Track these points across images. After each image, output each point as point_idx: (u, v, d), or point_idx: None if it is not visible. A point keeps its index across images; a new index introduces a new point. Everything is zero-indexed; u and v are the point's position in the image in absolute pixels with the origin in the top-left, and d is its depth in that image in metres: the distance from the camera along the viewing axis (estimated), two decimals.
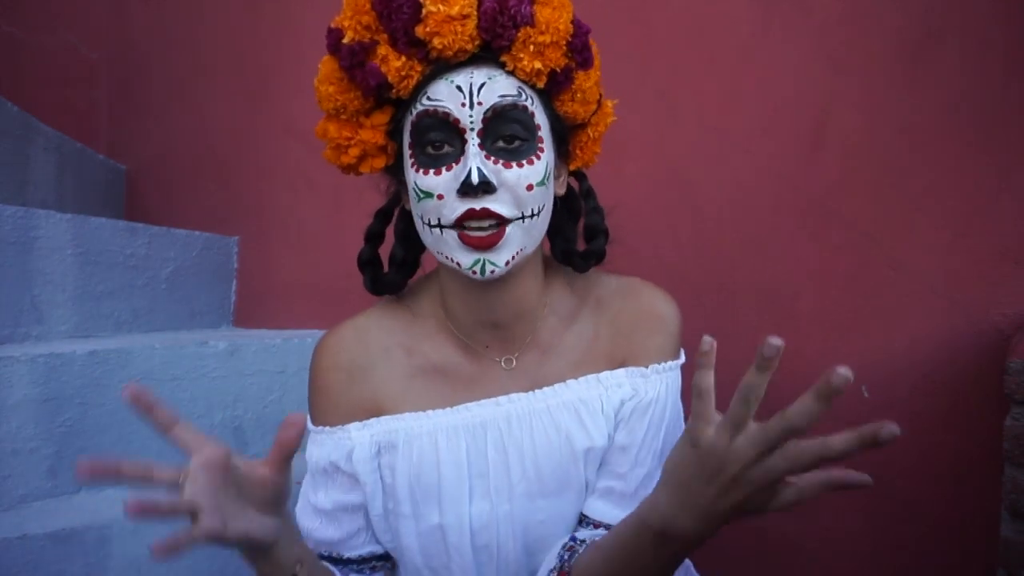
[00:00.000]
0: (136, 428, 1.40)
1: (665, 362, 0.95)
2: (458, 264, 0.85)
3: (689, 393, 1.03)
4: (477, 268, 0.84)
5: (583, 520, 0.93)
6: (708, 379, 0.73)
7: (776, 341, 0.65)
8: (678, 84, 1.51)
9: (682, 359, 0.99)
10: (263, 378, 1.61)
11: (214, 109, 2.07)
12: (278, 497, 0.77)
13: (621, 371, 0.94)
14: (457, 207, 0.82)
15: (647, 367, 0.94)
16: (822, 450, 0.64)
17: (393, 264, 0.98)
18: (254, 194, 2.00)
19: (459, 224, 0.83)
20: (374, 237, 0.98)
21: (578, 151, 0.95)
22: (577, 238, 0.98)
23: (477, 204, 0.82)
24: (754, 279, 1.43)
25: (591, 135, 0.94)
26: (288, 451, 0.75)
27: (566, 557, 0.87)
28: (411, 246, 0.98)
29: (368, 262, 0.97)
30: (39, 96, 2.24)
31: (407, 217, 0.96)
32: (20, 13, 2.34)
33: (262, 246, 1.98)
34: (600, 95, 0.94)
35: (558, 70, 0.86)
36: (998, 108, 1.27)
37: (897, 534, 1.34)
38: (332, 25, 0.86)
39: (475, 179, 0.80)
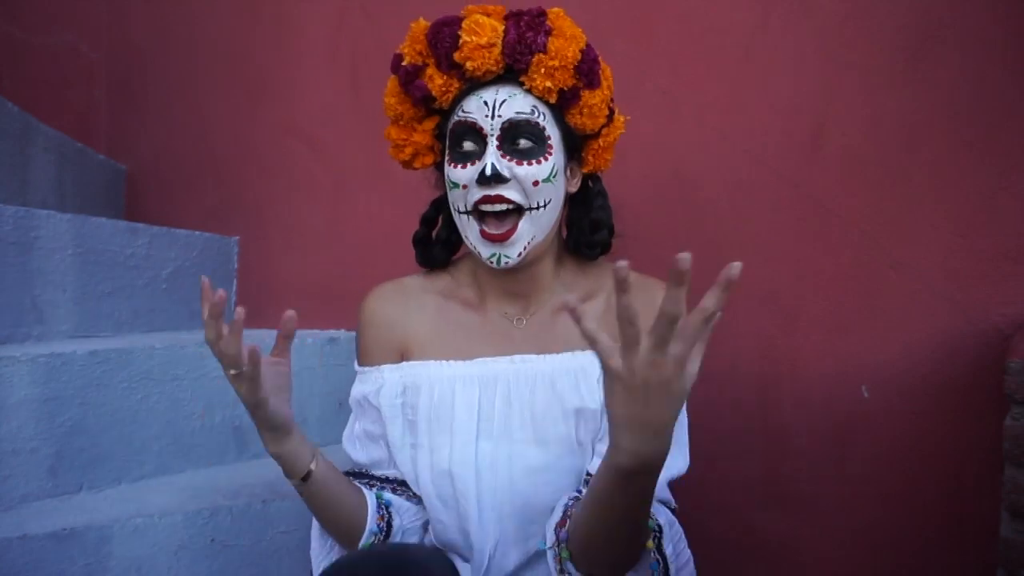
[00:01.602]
0: (136, 428, 1.40)
1: None
2: (479, 253, 1.05)
3: (697, 406, 1.03)
4: (494, 259, 1.05)
5: (588, 479, 1.03)
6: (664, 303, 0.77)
7: (686, 256, 0.75)
8: (678, 84, 1.51)
9: None
10: None
11: (214, 109, 2.07)
12: (288, 381, 1.01)
13: None
14: (475, 193, 1.03)
15: None
16: (701, 313, 0.74)
17: (438, 242, 1.17)
18: (254, 194, 2.00)
19: (476, 208, 1.03)
20: (428, 221, 1.18)
21: (590, 157, 1.11)
22: (589, 231, 1.14)
23: (492, 191, 1.02)
24: (754, 279, 1.43)
25: (602, 144, 1.11)
26: (288, 332, 1.01)
27: (569, 504, 0.99)
28: (455, 228, 1.13)
29: (421, 240, 1.18)
30: (39, 96, 2.24)
31: (446, 206, 1.14)
32: (20, 13, 2.34)
33: (262, 246, 1.98)
34: (612, 110, 1.10)
35: (566, 89, 1.04)
36: (998, 108, 1.27)
37: (897, 534, 1.34)
38: (397, 51, 1.08)
39: (488, 171, 1.01)
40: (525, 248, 1.04)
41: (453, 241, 1.17)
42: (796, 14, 1.41)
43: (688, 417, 1.08)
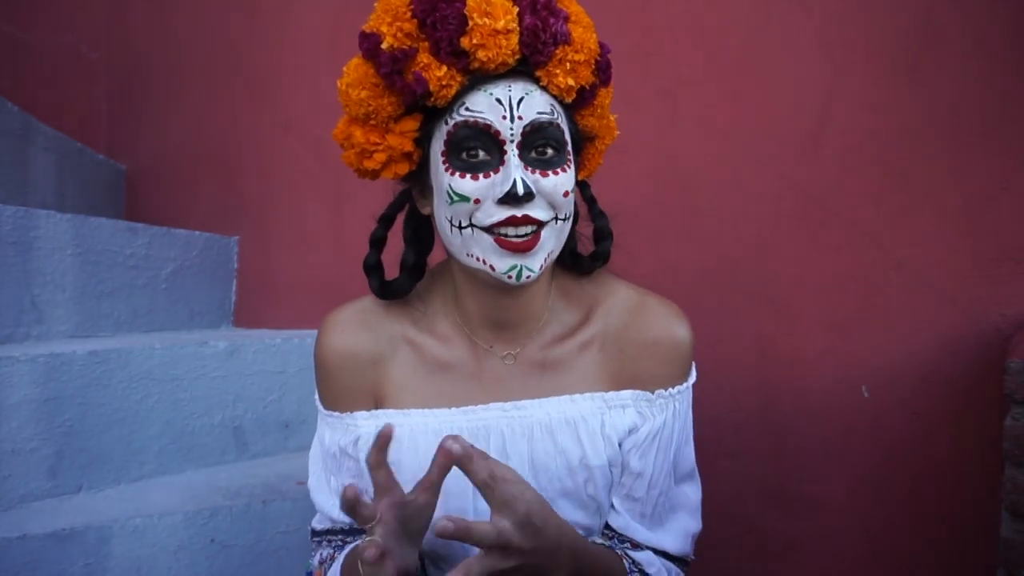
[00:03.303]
0: (136, 428, 1.40)
1: (673, 387, 0.96)
2: (491, 267, 0.86)
3: (697, 406, 1.03)
4: (513, 273, 0.86)
5: (608, 533, 0.97)
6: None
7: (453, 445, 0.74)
8: (679, 84, 1.51)
9: (692, 379, 0.99)
10: (263, 378, 1.61)
11: (214, 109, 2.07)
12: (428, 525, 0.82)
13: (627, 393, 0.95)
14: (495, 212, 0.85)
15: (653, 392, 0.95)
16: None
17: (404, 268, 0.98)
18: (254, 194, 2.00)
19: (493, 228, 0.85)
20: (379, 242, 1.00)
21: (586, 162, 0.98)
22: (593, 241, 1.01)
23: (519, 211, 0.84)
24: (754, 279, 1.43)
25: (599, 147, 0.98)
26: (445, 471, 0.78)
27: None
28: (421, 250, 0.99)
29: (375, 267, 0.99)
30: (39, 96, 2.24)
31: (415, 221, 0.99)
32: (20, 13, 2.35)
33: (262, 246, 1.98)
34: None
35: (586, 87, 0.89)
36: (998, 108, 1.27)
37: (897, 534, 1.34)
38: (366, 30, 0.86)
39: (520, 190, 0.83)
40: (545, 260, 0.88)
41: (420, 266, 0.99)
42: (796, 14, 1.41)
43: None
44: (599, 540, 0.96)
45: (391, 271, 1.00)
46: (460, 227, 0.87)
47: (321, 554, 0.99)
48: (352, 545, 0.93)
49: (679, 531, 0.99)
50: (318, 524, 1.02)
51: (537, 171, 0.85)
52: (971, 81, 1.28)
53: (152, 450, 1.43)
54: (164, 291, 1.77)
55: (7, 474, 1.23)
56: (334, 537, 1.00)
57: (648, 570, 0.95)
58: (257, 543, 1.34)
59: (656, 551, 0.97)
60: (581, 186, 1.01)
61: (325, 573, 0.96)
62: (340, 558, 0.93)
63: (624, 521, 0.96)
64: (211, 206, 2.05)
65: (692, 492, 1.01)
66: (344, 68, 0.90)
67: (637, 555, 0.96)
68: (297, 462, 1.60)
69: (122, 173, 2.21)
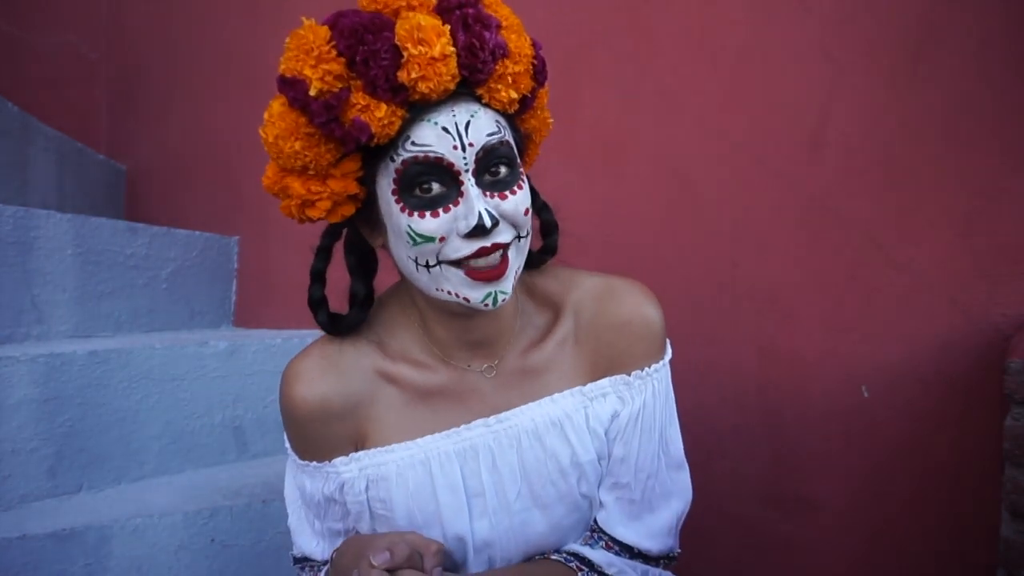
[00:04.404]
0: (136, 428, 1.40)
1: (650, 366, 0.95)
2: (465, 299, 0.84)
3: (682, 396, 1.03)
4: (489, 300, 0.84)
5: (594, 530, 0.97)
6: None
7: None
8: (678, 84, 1.51)
9: (668, 355, 0.99)
10: (263, 378, 1.61)
11: (214, 109, 2.07)
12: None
13: (605, 381, 0.94)
14: (462, 247, 0.82)
15: (630, 374, 0.94)
16: None
17: (355, 302, 0.94)
18: (254, 194, 1.99)
19: (463, 262, 0.82)
20: (321, 275, 0.95)
21: (527, 158, 0.96)
22: (541, 235, 0.99)
23: (487, 241, 0.81)
24: (754, 279, 1.43)
25: (536, 141, 0.95)
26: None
27: None
28: (369, 279, 0.96)
29: (320, 302, 0.94)
30: (39, 96, 2.24)
31: (356, 249, 0.95)
32: (20, 13, 2.34)
33: (262, 246, 1.98)
34: None
35: (528, 95, 0.87)
36: (998, 108, 1.27)
37: (897, 534, 1.34)
38: (286, 75, 0.80)
39: (488, 222, 0.80)
40: (515, 278, 0.86)
41: (371, 295, 0.96)
42: (796, 14, 1.41)
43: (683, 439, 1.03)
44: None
45: (335, 302, 0.96)
46: (428, 266, 0.84)
47: None
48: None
49: (664, 525, 0.97)
50: (297, 552, 1.02)
51: (496, 195, 0.82)
52: (971, 81, 1.28)
53: (152, 450, 1.43)
54: (164, 291, 1.77)
55: (7, 474, 1.23)
56: (315, 562, 1.00)
57: (608, 571, 0.94)
58: (257, 543, 1.34)
59: (633, 552, 0.95)
60: None
61: None
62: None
63: (605, 515, 0.95)
64: (211, 206, 2.05)
65: (683, 477, 1.00)
66: (265, 114, 0.83)
67: (593, 555, 0.94)
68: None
69: (122, 173, 2.21)
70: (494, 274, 0.83)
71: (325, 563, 0.97)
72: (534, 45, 0.87)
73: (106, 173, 2.15)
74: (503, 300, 0.84)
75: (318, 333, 1.00)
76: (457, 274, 0.83)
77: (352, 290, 0.94)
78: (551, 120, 0.96)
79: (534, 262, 0.97)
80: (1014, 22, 1.26)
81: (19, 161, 1.78)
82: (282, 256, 1.95)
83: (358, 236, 0.93)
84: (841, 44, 1.38)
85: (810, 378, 1.39)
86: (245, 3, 2.03)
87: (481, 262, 0.82)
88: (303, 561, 1.02)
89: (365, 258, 0.95)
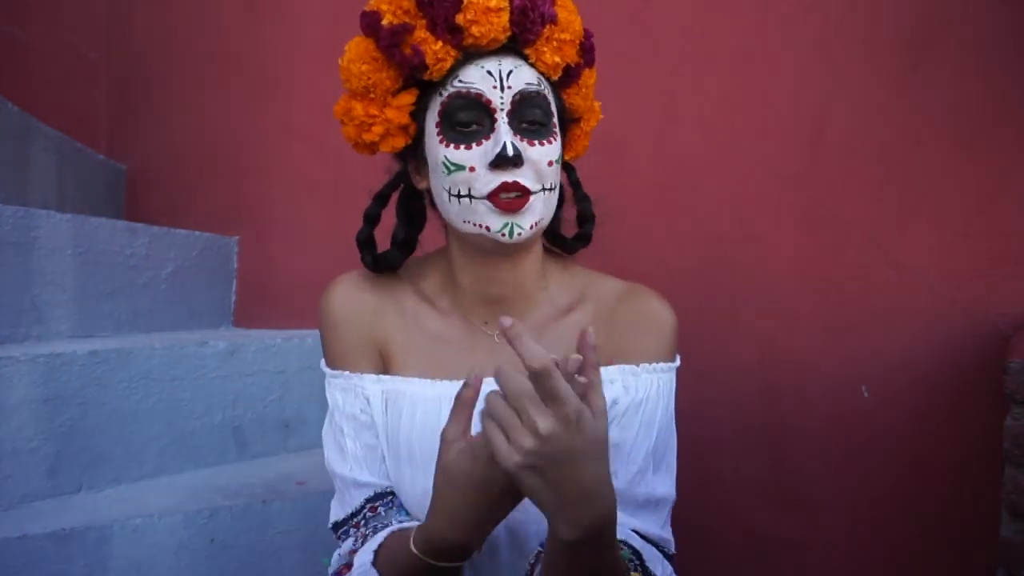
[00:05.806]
0: (136, 428, 1.40)
1: (658, 363, 0.97)
2: (487, 228, 0.91)
3: (682, 396, 1.03)
4: (506, 231, 0.90)
5: None
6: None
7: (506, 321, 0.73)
8: (678, 84, 1.51)
9: (677, 363, 1.01)
10: (263, 378, 1.61)
11: (214, 109, 2.07)
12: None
13: (614, 368, 0.96)
14: (490, 180, 0.89)
15: (638, 365, 0.97)
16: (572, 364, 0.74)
17: (395, 243, 1.03)
18: (254, 194, 2.00)
19: (490, 196, 0.90)
20: (372, 218, 1.04)
21: (572, 143, 1.04)
22: (577, 223, 1.06)
23: (509, 177, 0.89)
24: (754, 279, 1.43)
25: (584, 129, 1.04)
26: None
27: (532, 561, 0.92)
28: (413, 227, 1.04)
29: (367, 240, 1.03)
30: (39, 96, 2.24)
31: (409, 200, 1.04)
32: (20, 13, 2.34)
33: (262, 246, 1.98)
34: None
35: (572, 65, 0.96)
36: (998, 108, 1.27)
37: (897, 534, 1.34)
38: (367, 9, 0.93)
39: (510, 151, 0.88)
40: (535, 225, 0.92)
41: (410, 241, 1.04)
42: (796, 14, 1.41)
43: (676, 438, 1.01)
44: None
45: (384, 247, 1.04)
46: (459, 196, 0.91)
47: (346, 544, 0.98)
48: (392, 529, 0.92)
49: (652, 521, 0.96)
50: (340, 513, 1.00)
51: (525, 140, 0.91)
52: (971, 81, 1.28)
53: (152, 450, 1.43)
54: (164, 291, 1.77)
55: (7, 474, 1.23)
56: (358, 516, 0.98)
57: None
58: (257, 543, 1.34)
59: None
60: (568, 169, 1.06)
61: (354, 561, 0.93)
62: (376, 539, 0.91)
63: None
64: (211, 206, 2.05)
65: (667, 483, 0.98)
66: (345, 47, 0.95)
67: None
68: (297, 462, 1.60)
69: (122, 173, 2.21)
70: (515, 205, 0.90)
71: (365, 504, 0.97)
72: (586, 32, 0.97)
73: (106, 173, 2.15)
74: (519, 234, 0.90)
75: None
76: (485, 204, 0.90)
77: (394, 232, 1.03)
78: (600, 110, 1.04)
79: (567, 247, 1.05)
80: (1014, 22, 1.26)
81: (19, 161, 1.78)
82: (282, 256, 1.95)
83: (411, 191, 1.03)
84: (840, 44, 1.38)
85: (810, 378, 1.39)
86: (245, 3, 2.03)
87: (504, 195, 0.89)
88: (346, 523, 0.99)
89: (412, 210, 1.04)
